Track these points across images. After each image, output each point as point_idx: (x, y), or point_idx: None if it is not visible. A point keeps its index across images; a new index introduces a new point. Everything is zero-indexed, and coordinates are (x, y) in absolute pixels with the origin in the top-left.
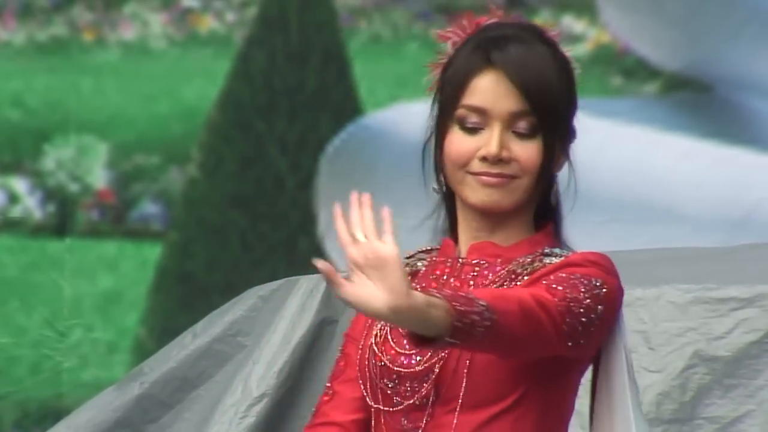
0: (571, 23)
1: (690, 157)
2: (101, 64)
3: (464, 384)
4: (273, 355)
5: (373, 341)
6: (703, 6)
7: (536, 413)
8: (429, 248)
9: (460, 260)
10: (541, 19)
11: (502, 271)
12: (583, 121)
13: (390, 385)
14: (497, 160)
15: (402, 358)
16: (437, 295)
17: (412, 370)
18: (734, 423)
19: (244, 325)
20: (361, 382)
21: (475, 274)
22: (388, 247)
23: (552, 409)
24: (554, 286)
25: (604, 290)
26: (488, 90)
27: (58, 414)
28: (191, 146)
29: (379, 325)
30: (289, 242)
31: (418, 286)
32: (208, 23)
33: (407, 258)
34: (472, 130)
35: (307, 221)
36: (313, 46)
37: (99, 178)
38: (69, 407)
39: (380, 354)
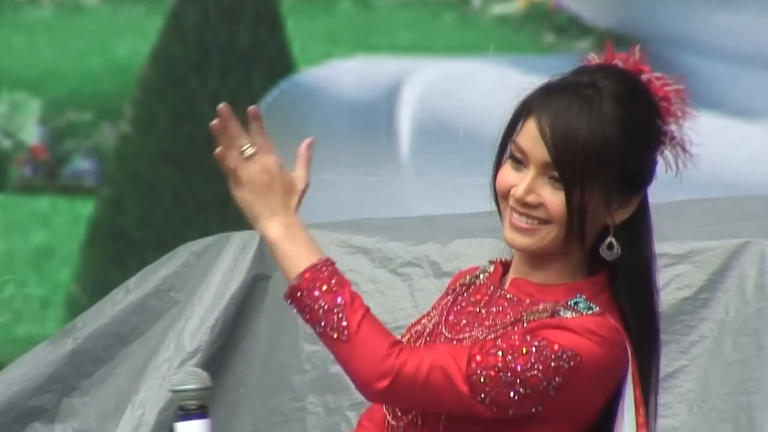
0: None
1: None
2: (34, 20)
3: (442, 419)
4: (206, 311)
5: (404, 341)
6: None
7: None
8: (496, 260)
9: (499, 291)
10: None
11: (516, 319)
12: (513, 78)
13: None
14: (522, 203)
15: None
16: (315, 258)
17: None
18: (668, 379)
19: (176, 280)
20: None
21: (500, 309)
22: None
23: None
24: (493, 351)
25: (572, 363)
26: (531, 135)
27: None
28: (124, 103)
29: (418, 327)
30: (221, 198)
31: (460, 305)
32: None
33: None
34: (518, 166)
35: None
36: (246, 2)
37: (32, 134)
38: (2, 363)
39: None
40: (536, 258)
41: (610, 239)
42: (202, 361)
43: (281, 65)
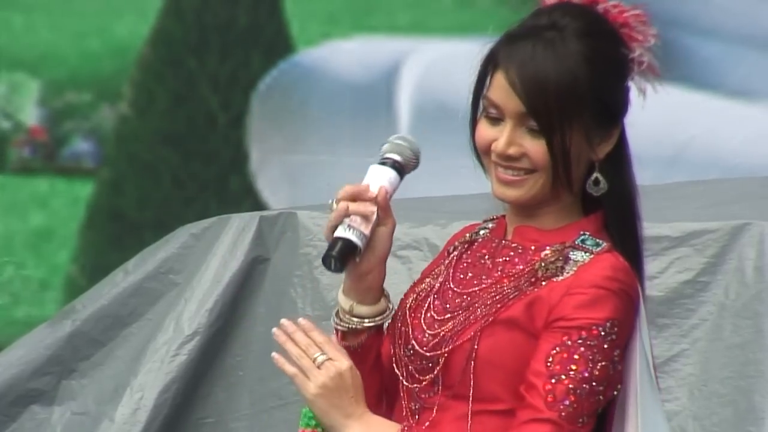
0: None
1: None
2: (33, 1)
3: (471, 381)
4: (204, 294)
5: (409, 304)
6: None
7: None
8: (497, 217)
9: (503, 242)
10: None
11: (527, 269)
12: None
13: (408, 355)
14: (505, 157)
15: (418, 333)
16: None
17: (422, 350)
18: (668, 362)
19: (175, 263)
20: (392, 344)
21: (507, 259)
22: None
23: None
24: (555, 381)
25: (616, 329)
26: (501, 88)
27: None
28: (123, 84)
29: (422, 286)
30: (220, 180)
31: (466, 262)
32: None
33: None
34: (494, 121)
35: (238, 159)
36: None
37: (31, 115)
38: (0, 345)
39: (408, 319)
40: (529, 208)
41: (596, 175)
42: (201, 345)
43: (280, 46)
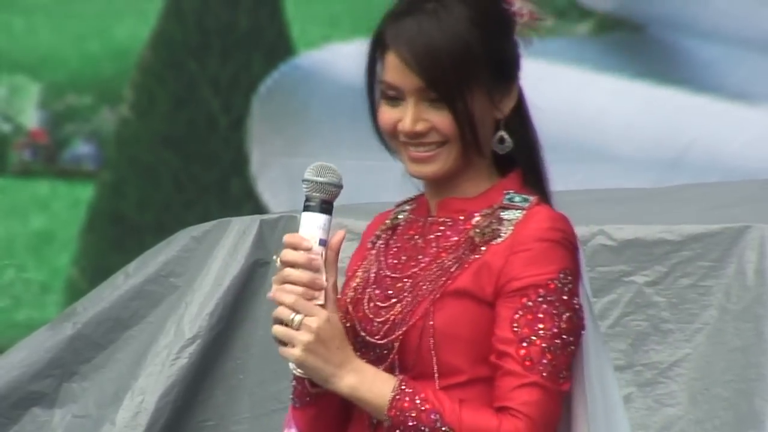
0: None
1: (622, 97)
2: (33, 4)
3: (433, 359)
4: (205, 297)
5: (350, 297)
6: None
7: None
8: (412, 198)
9: (429, 219)
10: None
11: (462, 238)
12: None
13: (359, 349)
14: (413, 135)
15: (366, 324)
16: (389, 392)
17: (373, 340)
18: (672, 367)
19: (176, 266)
20: None
21: (439, 234)
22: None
23: None
24: (526, 344)
25: (570, 277)
26: (396, 68)
27: None
28: (123, 86)
29: (357, 280)
30: (221, 183)
31: (396, 246)
32: None
33: (395, 207)
34: (394, 101)
35: (239, 161)
36: None
37: (31, 118)
38: (2, 348)
39: (352, 313)
40: (447, 180)
41: (501, 133)
42: (202, 348)
43: (281, 49)
